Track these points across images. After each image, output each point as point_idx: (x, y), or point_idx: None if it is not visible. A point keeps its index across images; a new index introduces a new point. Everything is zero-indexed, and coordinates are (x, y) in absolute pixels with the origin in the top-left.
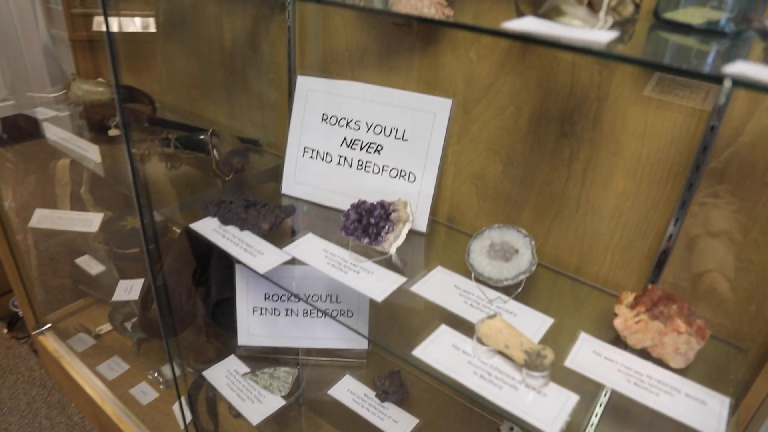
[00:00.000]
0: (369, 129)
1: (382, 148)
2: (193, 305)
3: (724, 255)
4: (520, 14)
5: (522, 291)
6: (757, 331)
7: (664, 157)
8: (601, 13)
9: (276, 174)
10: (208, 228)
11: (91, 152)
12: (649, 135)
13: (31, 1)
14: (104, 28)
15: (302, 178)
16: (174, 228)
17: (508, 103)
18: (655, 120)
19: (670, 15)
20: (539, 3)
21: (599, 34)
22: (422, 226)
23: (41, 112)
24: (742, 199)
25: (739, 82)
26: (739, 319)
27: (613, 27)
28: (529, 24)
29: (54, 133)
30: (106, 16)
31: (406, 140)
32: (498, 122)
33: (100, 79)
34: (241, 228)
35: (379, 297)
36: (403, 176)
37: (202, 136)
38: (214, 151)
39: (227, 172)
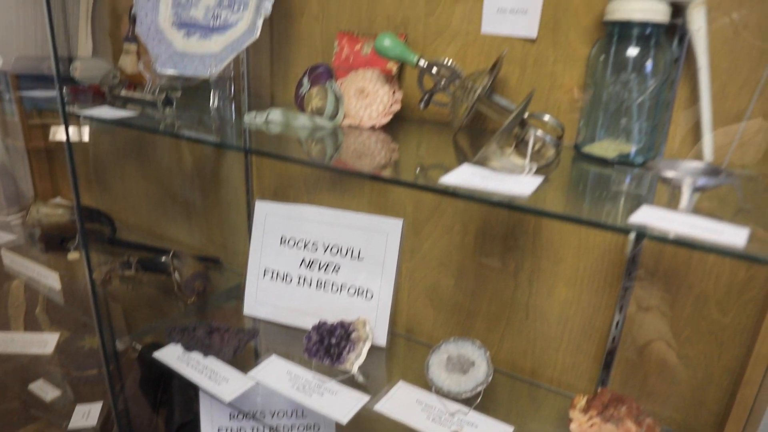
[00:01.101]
0: (326, 250)
1: (339, 268)
2: (155, 429)
3: (664, 353)
4: (457, 147)
5: (482, 400)
6: (703, 419)
7: (599, 268)
8: (526, 161)
9: (238, 292)
10: (172, 356)
11: (50, 279)
12: (583, 248)
13: None
14: (66, 146)
15: (264, 299)
16: (135, 345)
17: (454, 222)
18: (587, 235)
19: (587, 149)
20: (474, 134)
21: (525, 183)
22: (382, 340)
23: None
24: (672, 302)
25: (643, 234)
26: (686, 411)
27: (538, 170)
28: (462, 176)
29: (12, 260)
30: (70, 152)
31: (362, 259)
32: (446, 239)
33: (58, 199)
34: (205, 354)
35: (344, 419)
36: (360, 294)
37: (163, 258)
38: (176, 274)
39: (189, 295)
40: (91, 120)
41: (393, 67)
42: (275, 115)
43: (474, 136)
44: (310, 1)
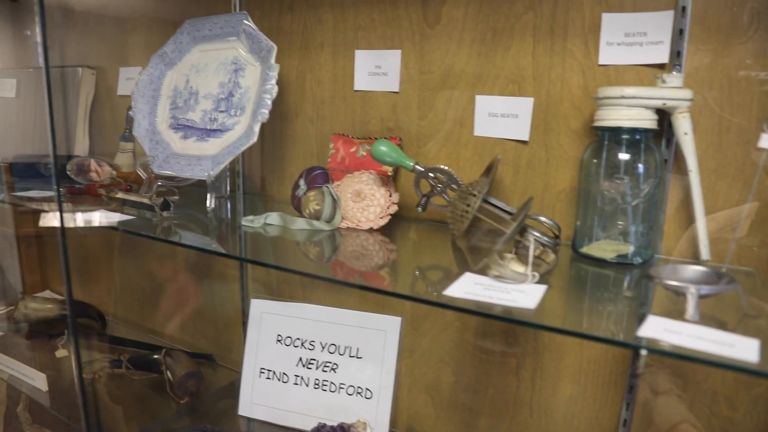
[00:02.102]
0: (324, 348)
1: (337, 367)
2: None
3: None
4: (455, 250)
5: None
6: None
7: (603, 363)
8: (528, 269)
9: (231, 391)
10: None
11: (38, 381)
12: (586, 344)
13: None
14: (61, 249)
15: (260, 399)
16: None
17: (453, 320)
18: None
19: (585, 250)
20: (471, 233)
21: (530, 293)
22: None
23: None
24: (680, 398)
25: (654, 350)
26: None
27: (539, 276)
28: (465, 287)
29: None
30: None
31: (360, 358)
32: (446, 336)
33: (46, 293)
34: None
35: None
36: (359, 393)
37: (155, 356)
38: (168, 373)
39: (182, 395)
40: (85, 225)
41: (388, 168)
42: (273, 218)
43: (471, 236)
44: (305, 104)
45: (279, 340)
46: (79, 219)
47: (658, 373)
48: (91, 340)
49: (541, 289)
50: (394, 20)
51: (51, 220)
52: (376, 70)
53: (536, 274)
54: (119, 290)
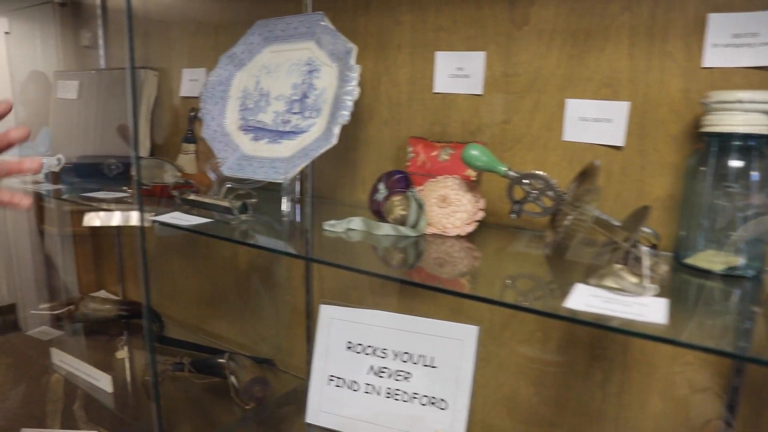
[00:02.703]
0: (396, 357)
1: (410, 376)
2: None
3: None
4: (548, 257)
5: None
6: None
7: (699, 378)
8: (645, 281)
9: (295, 398)
10: None
11: (102, 382)
12: (680, 357)
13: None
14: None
15: (328, 407)
16: None
17: (535, 329)
18: None
19: (690, 261)
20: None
21: (653, 307)
22: None
23: (45, 333)
24: None
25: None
26: None
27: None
28: (584, 299)
29: (62, 360)
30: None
31: (435, 367)
32: (527, 346)
33: (101, 293)
34: None
35: None
36: (433, 403)
37: (219, 360)
38: (233, 378)
39: (248, 401)
40: (163, 225)
41: (472, 173)
42: (356, 223)
43: (561, 246)
44: (380, 107)
45: (349, 347)
46: (159, 221)
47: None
48: (150, 342)
49: (662, 302)
50: (477, 21)
51: (93, 218)
52: (458, 72)
53: (656, 286)
54: (175, 292)
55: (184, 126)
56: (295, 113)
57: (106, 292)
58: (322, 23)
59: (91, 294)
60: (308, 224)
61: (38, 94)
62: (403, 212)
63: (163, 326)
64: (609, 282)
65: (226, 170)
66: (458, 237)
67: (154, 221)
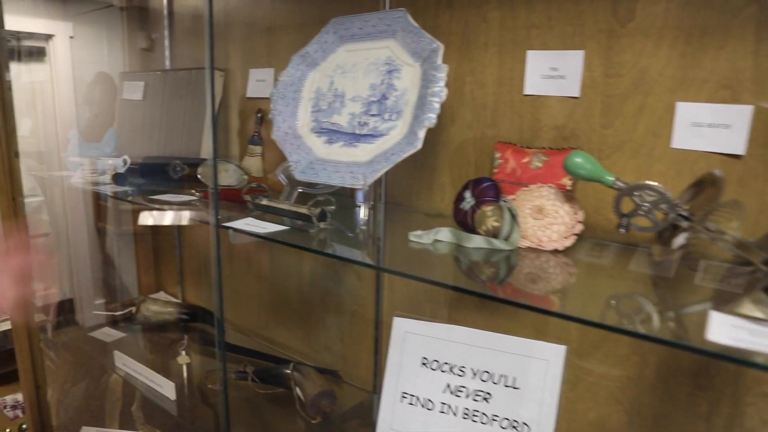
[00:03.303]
0: (475, 375)
1: (490, 396)
2: None
3: None
4: (656, 277)
5: None
6: None
7: None
8: None
9: (361, 412)
10: None
11: (165, 388)
12: None
13: (83, 199)
14: (215, 260)
15: (400, 425)
16: None
17: (630, 353)
18: None
19: None
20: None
21: None
22: None
23: (106, 334)
24: None
25: None
26: None
27: None
28: (726, 331)
29: (125, 364)
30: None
31: (518, 388)
32: (619, 371)
33: (161, 294)
34: None
35: None
36: (515, 427)
37: (285, 371)
38: (298, 390)
39: (314, 415)
40: (238, 232)
41: (568, 182)
42: (444, 235)
43: (680, 265)
44: (463, 109)
45: (424, 364)
46: (232, 228)
47: None
48: (209, 347)
49: None
50: (575, 18)
51: (147, 217)
52: (552, 72)
53: None
54: (235, 297)
55: (249, 127)
56: (373, 115)
57: (165, 293)
58: (405, 20)
59: (152, 296)
60: (381, 232)
61: (104, 95)
62: (495, 224)
63: (223, 331)
64: (752, 311)
65: (298, 174)
66: (554, 251)
67: (228, 228)
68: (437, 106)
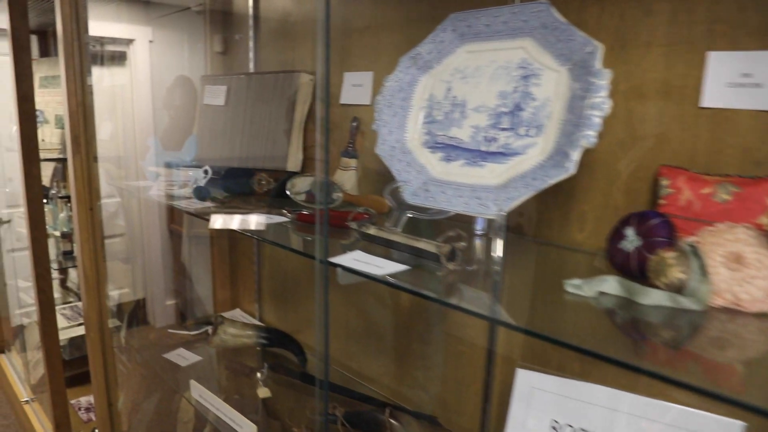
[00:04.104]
0: None
1: None
2: None
3: None
4: None
5: None
6: None
7: None
8: None
9: None
10: None
11: (245, 429)
12: None
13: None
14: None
15: None
16: None
17: None
18: None
19: None
20: None
21: None
22: None
23: (181, 356)
24: None
25: None
26: None
27: None
28: None
29: (202, 395)
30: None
31: None
32: None
33: (237, 311)
34: None
35: None
36: None
37: (379, 416)
38: None
39: None
40: (348, 271)
41: (765, 222)
42: (611, 286)
43: None
44: (614, 123)
45: (555, 428)
46: (341, 266)
47: None
48: (291, 378)
49: None
50: None
51: (217, 221)
52: (743, 80)
53: None
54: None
55: (342, 137)
56: (504, 129)
57: (241, 311)
58: (548, 15)
59: (228, 314)
60: (498, 265)
61: (184, 99)
62: (681, 275)
63: (306, 361)
64: None
65: (409, 196)
66: (759, 315)
67: (337, 266)
68: (598, 121)
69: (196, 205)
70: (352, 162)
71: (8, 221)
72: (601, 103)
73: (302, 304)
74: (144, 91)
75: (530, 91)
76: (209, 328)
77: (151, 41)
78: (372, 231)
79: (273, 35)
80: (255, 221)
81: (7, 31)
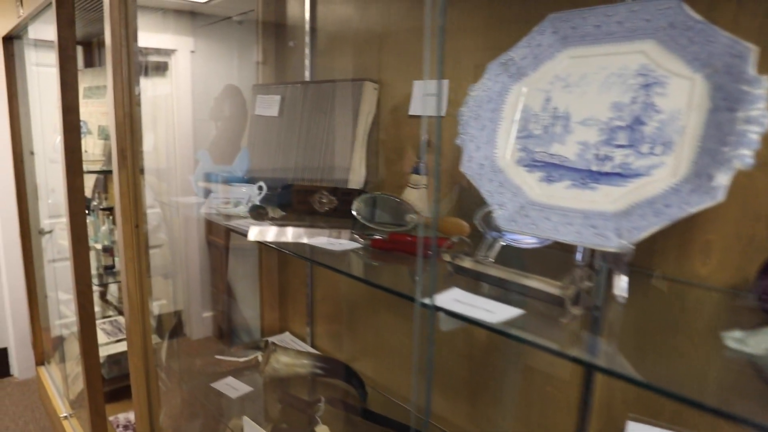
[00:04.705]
0: None
1: None
2: None
3: None
4: None
5: None
6: None
7: None
8: None
9: None
10: None
11: None
12: None
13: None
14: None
15: None
16: None
17: None
18: None
19: None
20: None
21: None
22: None
23: (231, 386)
24: None
25: None
26: None
27: None
28: None
29: (253, 429)
30: None
31: None
32: None
33: (286, 335)
34: None
35: None
36: None
37: None
38: None
39: None
40: (453, 317)
41: None
42: None
43: None
44: None
45: None
46: (444, 310)
47: None
48: (352, 415)
49: None
50: None
51: (253, 232)
52: None
53: None
54: (378, 349)
55: (412, 152)
56: (620, 146)
57: (291, 335)
58: (679, 14)
59: (278, 340)
60: (622, 306)
61: (233, 110)
62: None
63: (366, 395)
64: None
65: (504, 222)
66: None
67: (441, 310)
68: (755, 138)
69: (253, 224)
70: (423, 179)
71: (50, 231)
72: (759, 117)
73: (359, 330)
74: (185, 102)
75: (653, 102)
76: (259, 354)
77: (192, 51)
78: (467, 264)
79: (331, 42)
80: (326, 247)
81: (53, 42)
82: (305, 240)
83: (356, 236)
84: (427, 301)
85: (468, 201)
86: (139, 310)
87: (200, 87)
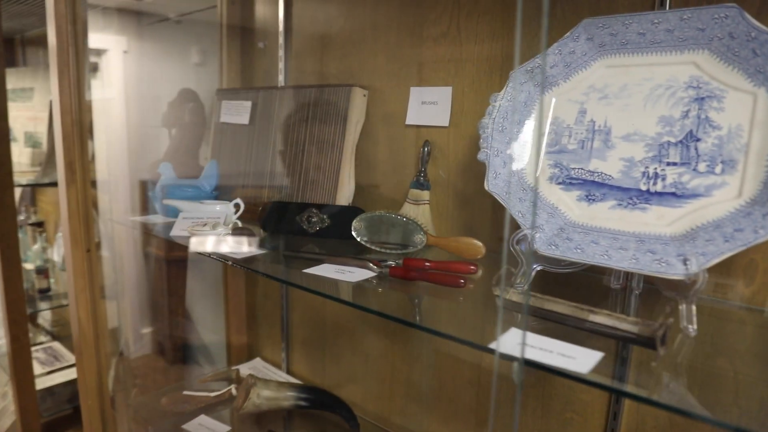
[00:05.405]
0: None
1: None
2: None
3: None
4: None
5: None
6: None
7: None
8: None
9: None
10: None
11: None
12: None
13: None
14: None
15: None
16: None
17: None
18: None
19: None
20: None
21: None
22: None
23: (205, 427)
24: None
25: None
26: None
27: None
28: None
29: None
30: None
31: None
32: None
33: (257, 361)
34: None
35: None
36: None
37: None
38: None
39: None
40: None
41: None
42: None
43: None
44: None
45: None
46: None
47: None
48: None
49: None
50: None
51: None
52: None
53: None
54: (366, 375)
55: (411, 165)
56: (672, 164)
57: (262, 360)
58: (738, 22)
59: (249, 368)
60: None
61: (191, 117)
62: None
63: (358, 426)
64: None
65: (543, 245)
66: None
67: (527, 362)
68: None
69: (239, 251)
70: (425, 194)
71: None
72: None
73: (344, 355)
74: (119, 106)
75: (709, 116)
76: (233, 387)
77: (125, 51)
78: (517, 298)
79: (309, 44)
80: (334, 277)
81: None
82: (311, 270)
83: (370, 264)
84: (513, 352)
85: (470, 215)
86: (95, 352)
87: (135, 90)
